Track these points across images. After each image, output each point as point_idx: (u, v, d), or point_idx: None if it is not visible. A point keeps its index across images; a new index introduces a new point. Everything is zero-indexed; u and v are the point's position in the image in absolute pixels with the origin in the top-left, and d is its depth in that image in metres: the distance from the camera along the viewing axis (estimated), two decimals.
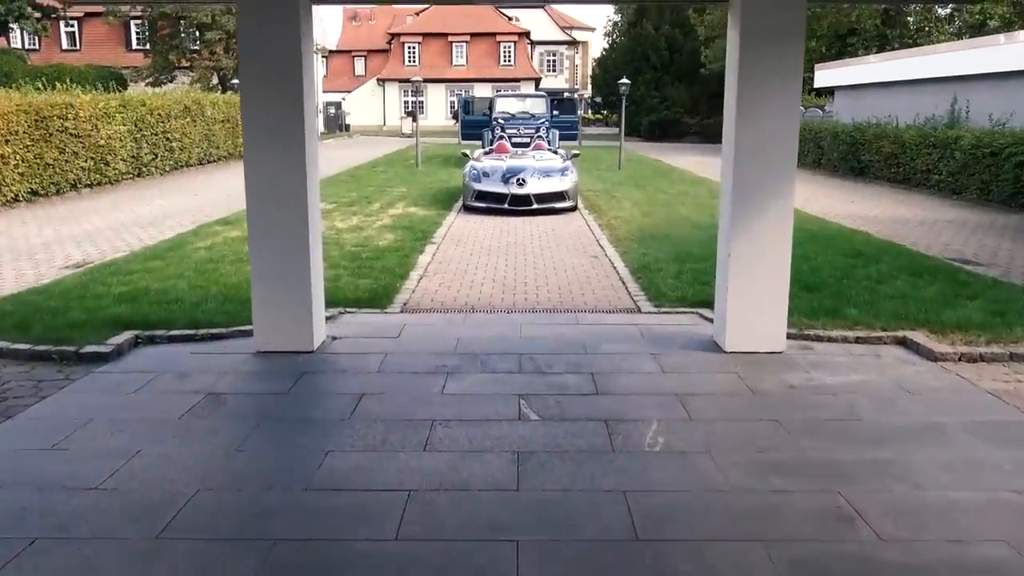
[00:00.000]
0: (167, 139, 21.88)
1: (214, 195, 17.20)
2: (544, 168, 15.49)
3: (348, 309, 7.72)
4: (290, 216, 6.19)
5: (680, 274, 9.08)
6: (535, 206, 14.74)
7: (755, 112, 6.03)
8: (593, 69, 70.28)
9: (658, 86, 46.45)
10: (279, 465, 4.32)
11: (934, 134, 18.78)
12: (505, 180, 14.98)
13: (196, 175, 22.15)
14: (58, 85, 18.68)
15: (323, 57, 57.86)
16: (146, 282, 8.58)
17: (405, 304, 8.10)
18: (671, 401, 5.25)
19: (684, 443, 4.58)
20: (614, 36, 67.52)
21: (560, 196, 15.05)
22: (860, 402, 5.25)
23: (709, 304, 7.72)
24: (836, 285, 8.37)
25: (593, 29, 77.24)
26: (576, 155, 17.83)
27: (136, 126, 20.03)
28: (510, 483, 4.08)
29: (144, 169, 20.57)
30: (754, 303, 6.27)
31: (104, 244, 11.60)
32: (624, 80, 24.41)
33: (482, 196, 15.03)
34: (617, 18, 69.15)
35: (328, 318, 7.31)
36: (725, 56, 6.38)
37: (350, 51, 64.73)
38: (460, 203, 15.69)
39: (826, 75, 29.27)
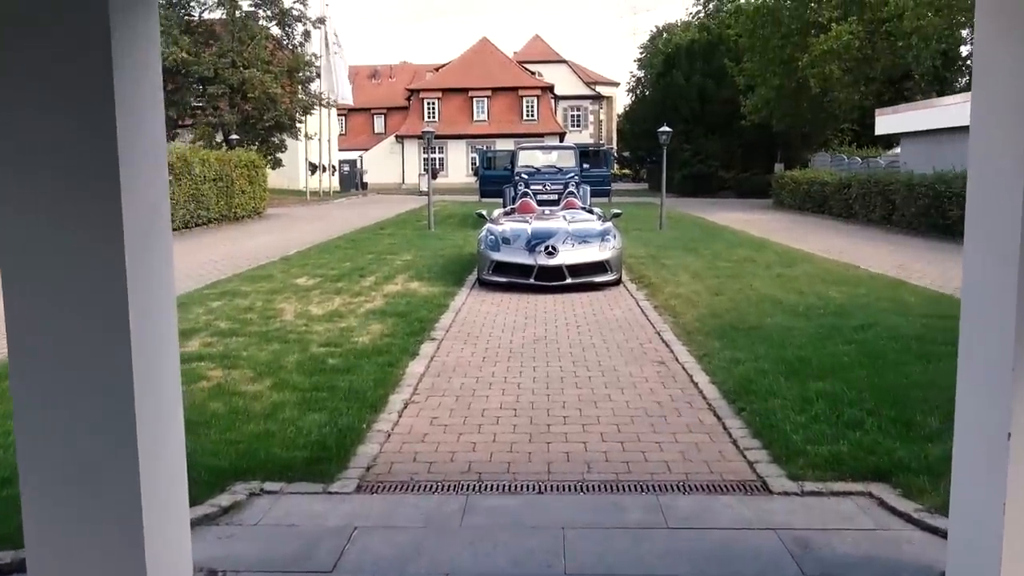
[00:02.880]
0: None
1: (188, 267, 13.88)
2: (579, 232, 12.33)
3: (266, 487, 4.52)
4: (96, 357, 3.02)
5: (807, 402, 5.78)
6: (568, 280, 11.57)
7: None
8: (619, 123, 67.87)
9: (689, 139, 43.59)
10: None
11: None
12: (531, 248, 11.83)
13: (177, 242, 19.18)
14: None
15: (340, 115, 55.85)
16: None
17: (369, 468, 4.90)
18: None
19: None
20: (639, 91, 65.35)
21: (600, 267, 11.86)
22: None
23: (882, 473, 4.51)
24: None
25: (617, 84, 75.40)
26: (618, 214, 14.60)
27: None
28: None
29: None
30: None
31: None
32: (665, 128, 21.36)
33: (501, 268, 11.87)
34: (640, 73, 67.06)
35: (225, 511, 4.15)
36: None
37: (369, 109, 62.92)
38: (475, 276, 12.56)
39: (889, 121, 26.09)
